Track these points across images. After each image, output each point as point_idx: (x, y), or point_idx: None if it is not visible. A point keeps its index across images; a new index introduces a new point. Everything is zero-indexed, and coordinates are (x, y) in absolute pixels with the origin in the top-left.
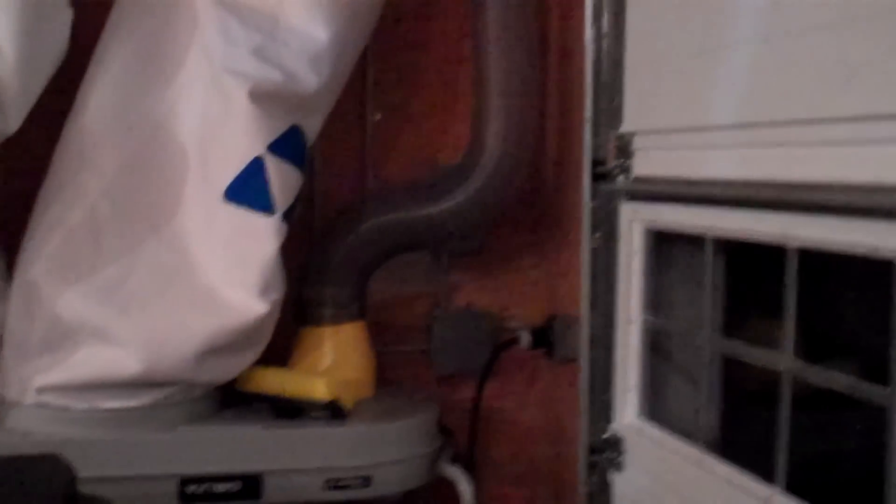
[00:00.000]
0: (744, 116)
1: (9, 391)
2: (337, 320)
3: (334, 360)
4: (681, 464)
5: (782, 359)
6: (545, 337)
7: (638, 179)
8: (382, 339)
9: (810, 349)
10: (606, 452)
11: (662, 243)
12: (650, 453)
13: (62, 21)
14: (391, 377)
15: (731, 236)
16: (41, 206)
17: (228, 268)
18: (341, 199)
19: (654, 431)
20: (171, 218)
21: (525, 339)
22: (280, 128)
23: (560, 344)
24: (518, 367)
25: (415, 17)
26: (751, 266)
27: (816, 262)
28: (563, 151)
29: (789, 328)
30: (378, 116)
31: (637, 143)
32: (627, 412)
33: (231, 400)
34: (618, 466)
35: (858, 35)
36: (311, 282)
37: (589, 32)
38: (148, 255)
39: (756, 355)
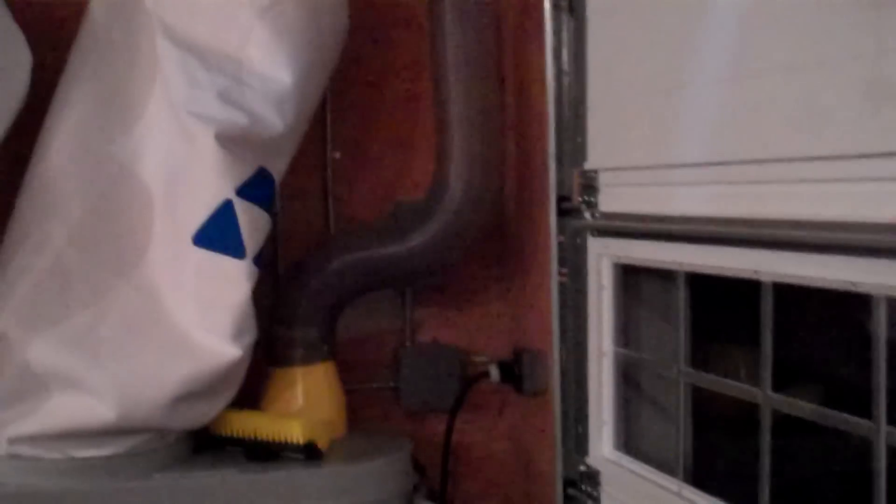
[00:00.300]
0: (713, 155)
1: None
2: (308, 361)
3: (306, 401)
4: (660, 495)
5: (760, 392)
6: (513, 371)
7: (605, 215)
8: (350, 376)
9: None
10: (582, 486)
11: (628, 276)
12: (628, 486)
13: (22, 65)
14: (360, 415)
15: (703, 271)
16: (5, 254)
17: (200, 312)
18: (304, 238)
19: (631, 464)
20: (139, 262)
21: (494, 373)
22: (247, 171)
23: (528, 378)
24: (486, 401)
25: (371, 57)
26: (713, 297)
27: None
28: (523, 186)
29: (766, 360)
30: (338, 155)
31: (602, 179)
32: (603, 445)
33: (203, 444)
34: (595, 500)
35: (828, 77)
36: (280, 322)
37: (550, 70)
38: (117, 301)
39: (732, 387)
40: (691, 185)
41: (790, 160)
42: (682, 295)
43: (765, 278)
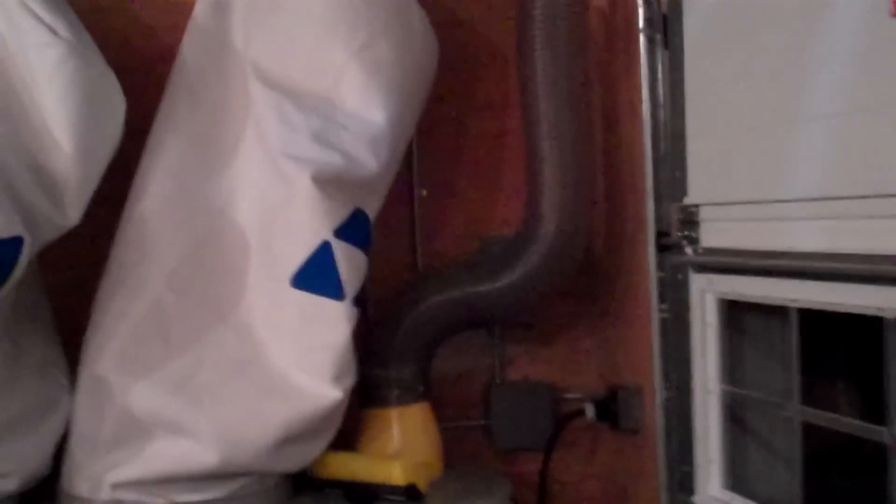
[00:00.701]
0: (829, 189)
1: (80, 488)
2: (403, 401)
3: (403, 442)
4: None
5: (887, 430)
6: (608, 408)
7: (708, 251)
8: (439, 414)
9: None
10: None
11: (730, 311)
12: None
13: (116, 110)
14: (451, 453)
15: (820, 308)
16: (103, 299)
17: (300, 354)
18: (393, 277)
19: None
20: (237, 305)
21: (590, 410)
22: (344, 212)
23: (624, 415)
24: (577, 438)
25: (455, 94)
26: (817, 333)
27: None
28: (613, 222)
29: (892, 398)
30: (425, 192)
31: (703, 214)
32: (710, 484)
33: (302, 487)
34: None
35: None
36: (374, 363)
37: (646, 104)
38: (216, 345)
39: (854, 426)
40: (805, 220)
41: None
42: (794, 332)
43: (888, 315)
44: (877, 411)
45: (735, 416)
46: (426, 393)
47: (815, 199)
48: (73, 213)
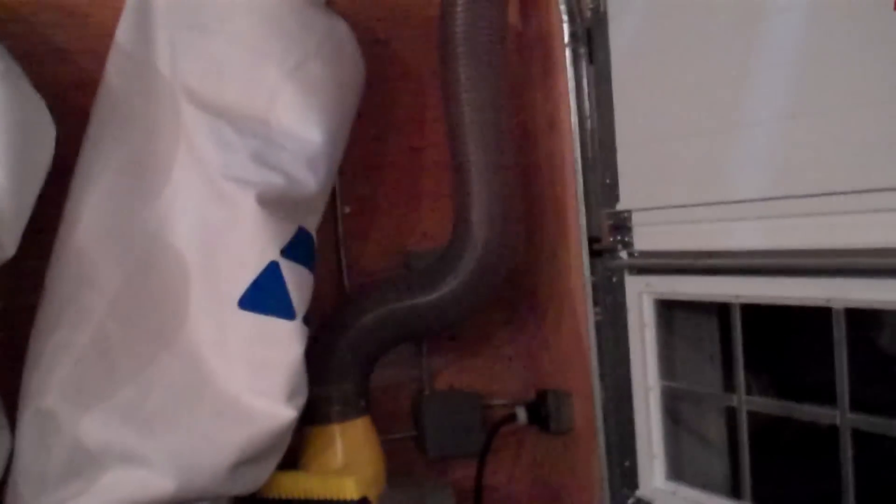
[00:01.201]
0: (768, 191)
1: None
2: (345, 417)
3: (347, 458)
4: None
5: (839, 412)
6: (538, 412)
7: (644, 253)
8: None
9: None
10: None
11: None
12: None
13: (47, 138)
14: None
15: (767, 302)
16: (42, 331)
17: (251, 376)
18: (320, 293)
19: (689, 492)
20: (181, 330)
21: (521, 415)
22: (289, 231)
23: (555, 417)
24: (505, 443)
25: (375, 111)
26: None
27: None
28: (532, 231)
29: (843, 381)
30: (348, 210)
31: (636, 219)
32: (655, 477)
33: None
34: None
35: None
36: (315, 380)
37: (573, 115)
38: (163, 371)
39: (809, 412)
40: (745, 221)
41: (862, 192)
42: (738, 326)
43: (836, 305)
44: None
45: (669, 411)
46: (367, 407)
47: (755, 200)
48: (8, 244)
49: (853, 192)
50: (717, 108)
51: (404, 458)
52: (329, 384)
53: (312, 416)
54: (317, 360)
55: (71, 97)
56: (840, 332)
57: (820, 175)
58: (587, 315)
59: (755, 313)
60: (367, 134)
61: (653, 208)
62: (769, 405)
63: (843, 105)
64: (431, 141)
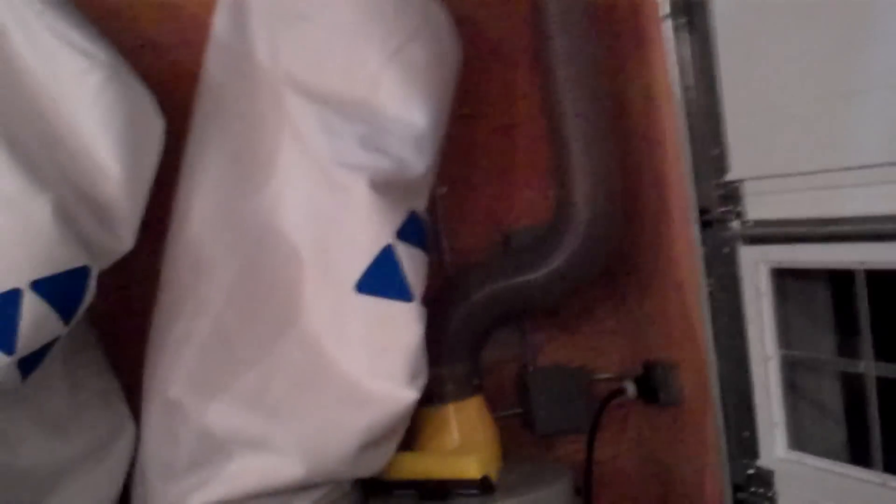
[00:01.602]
0: (891, 154)
1: None
2: (459, 396)
3: (464, 437)
4: (857, 489)
5: None
6: (647, 385)
7: (760, 223)
8: None
9: None
10: (752, 489)
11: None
12: (810, 483)
13: (156, 131)
14: None
15: (890, 268)
16: (163, 323)
17: (372, 359)
18: None
19: (814, 461)
20: (298, 317)
21: (631, 389)
22: (401, 214)
23: (664, 390)
24: (610, 418)
25: (465, 88)
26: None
27: None
28: (632, 203)
29: None
30: (444, 190)
31: (747, 188)
32: (776, 446)
33: (372, 490)
34: (771, 500)
35: None
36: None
37: (677, 87)
38: (284, 357)
39: None
40: (868, 186)
41: None
42: (862, 291)
43: None
44: None
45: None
46: (481, 386)
47: (877, 165)
48: (126, 237)
49: None
50: (832, 73)
51: (511, 436)
52: (441, 365)
53: (426, 397)
54: (428, 341)
55: (169, 90)
56: None
57: None
58: (698, 286)
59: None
60: (459, 113)
61: (766, 177)
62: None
63: None
64: (523, 118)
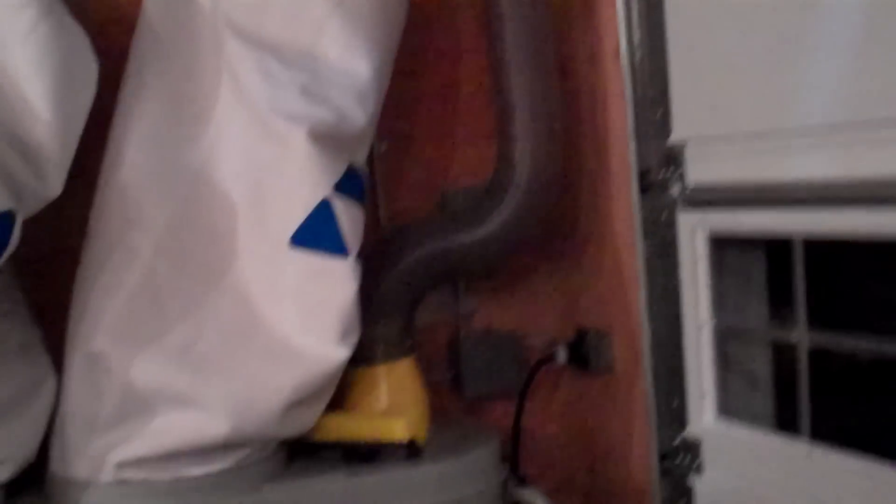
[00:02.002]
0: (839, 116)
1: (78, 470)
2: (390, 357)
3: (393, 399)
4: (782, 457)
5: None
6: (578, 351)
7: (699, 188)
8: None
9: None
10: (680, 457)
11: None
12: (736, 452)
13: (90, 74)
14: None
15: (835, 237)
16: (89, 273)
17: (304, 315)
18: None
19: (739, 431)
20: (228, 270)
21: (562, 354)
22: (340, 167)
23: (594, 357)
24: (541, 383)
25: (409, 43)
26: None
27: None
28: (573, 165)
29: None
30: (385, 147)
31: (690, 152)
32: (704, 415)
33: (297, 451)
34: (697, 469)
35: None
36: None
37: (624, 48)
38: (213, 312)
39: (880, 345)
40: (812, 149)
41: None
42: (800, 262)
43: None
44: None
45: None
46: (413, 347)
47: (823, 127)
48: (55, 183)
49: None
50: (780, 32)
51: (440, 401)
52: (373, 324)
53: (357, 357)
54: (360, 300)
55: (107, 33)
56: None
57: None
58: (634, 252)
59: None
60: (402, 68)
61: (709, 138)
62: (832, 339)
63: None
64: (467, 76)
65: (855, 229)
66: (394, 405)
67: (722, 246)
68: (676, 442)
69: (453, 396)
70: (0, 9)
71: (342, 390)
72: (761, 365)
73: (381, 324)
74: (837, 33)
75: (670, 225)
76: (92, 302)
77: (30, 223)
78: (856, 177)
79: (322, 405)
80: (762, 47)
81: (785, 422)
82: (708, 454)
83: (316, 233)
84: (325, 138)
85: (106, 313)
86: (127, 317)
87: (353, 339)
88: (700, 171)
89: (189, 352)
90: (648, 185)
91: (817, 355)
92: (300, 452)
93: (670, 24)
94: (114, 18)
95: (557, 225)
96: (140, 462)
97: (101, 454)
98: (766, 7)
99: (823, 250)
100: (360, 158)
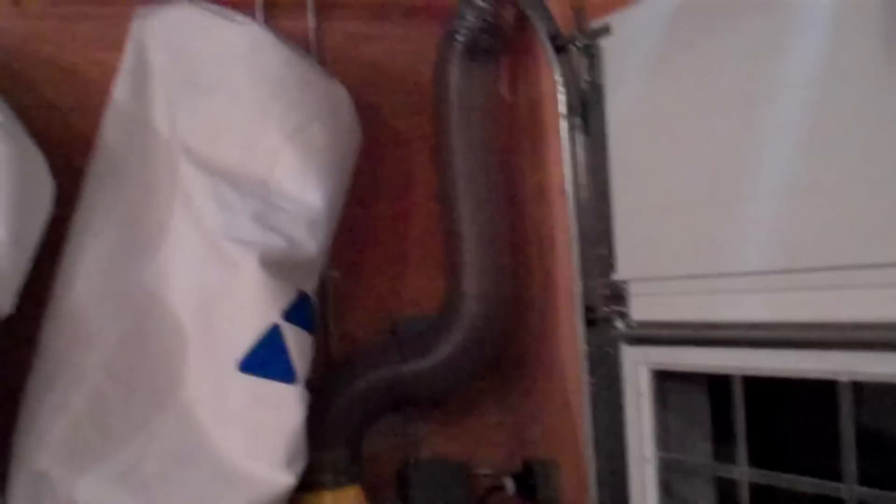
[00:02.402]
0: (771, 263)
1: None
2: (337, 485)
3: None
4: None
5: (845, 486)
6: (526, 482)
7: (642, 324)
8: None
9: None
10: None
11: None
12: None
13: (46, 194)
14: None
15: (770, 375)
16: (37, 391)
17: (250, 440)
18: None
19: None
20: (177, 392)
21: (510, 486)
22: (290, 294)
23: (542, 488)
24: None
25: (362, 173)
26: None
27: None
28: (521, 297)
29: (850, 455)
30: (337, 274)
31: (633, 289)
32: None
33: None
34: None
35: None
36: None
37: (569, 186)
38: (160, 433)
39: (811, 484)
40: (746, 293)
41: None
42: (740, 398)
43: (843, 378)
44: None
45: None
46: (361, 474)
47: (758, 273)
48: (5, 302)
49: (859, 266)
50: (718, 180)
51: None
52: (322, 449)
53: (304, 483)
54: (309, 425)
55: (64, 154)
56: (847, 405)
57: (825, 249)
58: (580, 385)
59: (750, 387)
60: (354, 197)
61: (651, 279)
62: (772, 478)
63: (847, 180)
64: (418, 207)
65: (789, 369)
66: None
67: (665, 380)
68: None
69: None
70: None
71: None
72: (705, 500)
73: (327, 450)
74: (771, 184)
75: (615, 360)
76: (38, 420)
77: None
78: (788, 320)
79: None
80: (701, 194)
81: None
82: None
83: (264, 358)
84: (276, 265)
85: (52, 432)
86: (73, 436)
87: (300, 465)
88: (643, 308)
89: (135, 472)
90: (594, 320)
91: (759, 491)
92: None
93: (614, 166)
94: (71, 139)
95: (507, 356)
96: None
97: None
98: (705, 156)
99: (765, 386)
100: (311, 286)
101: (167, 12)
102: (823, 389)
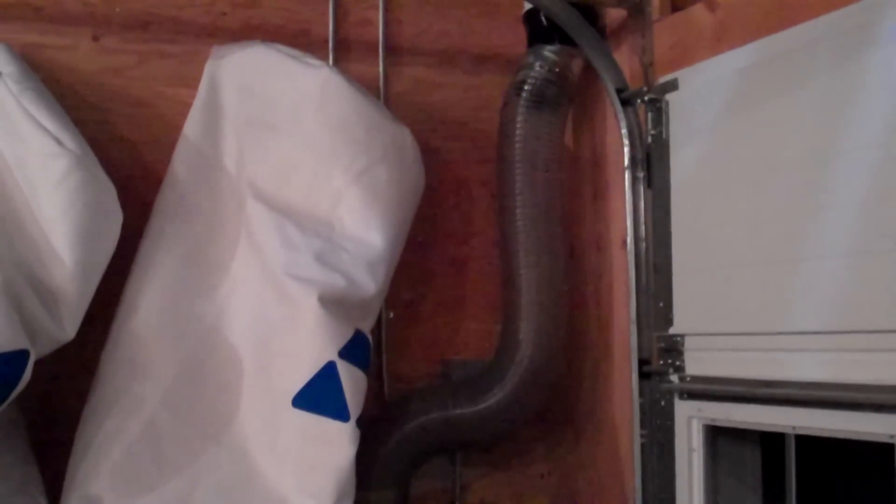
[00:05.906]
0: (831, 324)
1: None
2: None
3: None
4: None
5: None
6: None
7: (696, 378)
8: None
9: None
10: None
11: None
12: None
13: (114, 224)
14: None
15: (825, 435)
16: (93, 418)
17: (300, 476)
18: None
19: None
20: (231, 424)
21: None
22: (347, 332)
23: None
24: None
25: (423, 216)
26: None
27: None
28: (574, 347)
29: None
30: (392, 315)
31: (688, 344)
32: None
33: None
34: None
35: None
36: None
37: (631, 239)
38: (212, 465)
39: None
40: (804, 352)
41: None
42: (792, 458)
43: None
44: None
45: None
46: None
47: (816, 333)
48: (70, 327)
49: None
50: (779, 238)
51: None
52: (369, 491)
53: None
54: (359, 465)
55: (134, 186)
56: None
57: (884, 311)
58: (631, 437)
59: (803, 446)
60: (414, 240)
61: (707, 334)
62: None
63: None
64: (477, 252)
65: (843, 429)
66: None
67: (718, 435)
68: None
69: None
70: (35, 156)
71: None
72: None
73: (376, 490)
74: (832, 244)
75: (668, 413)
76: (93, 447)
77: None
78: (844, 381)
79: None
80: (762, 252)
81: None
82: None
83: (319, 395)
84: (335, 303)
85: (106, 459)
86: (126, 464)
87: (348, 503)
88: (698, 363)
89: (185, 502)
90: (648, 373)
91: None
92: None
93: (675, 220)
94: (139, 175)
95: (558, 405)
96: None
97: None
98: (768, 214)
99: (819, 446)
100: (368, 325)
101: (241, 52)
102: (879, 451)
